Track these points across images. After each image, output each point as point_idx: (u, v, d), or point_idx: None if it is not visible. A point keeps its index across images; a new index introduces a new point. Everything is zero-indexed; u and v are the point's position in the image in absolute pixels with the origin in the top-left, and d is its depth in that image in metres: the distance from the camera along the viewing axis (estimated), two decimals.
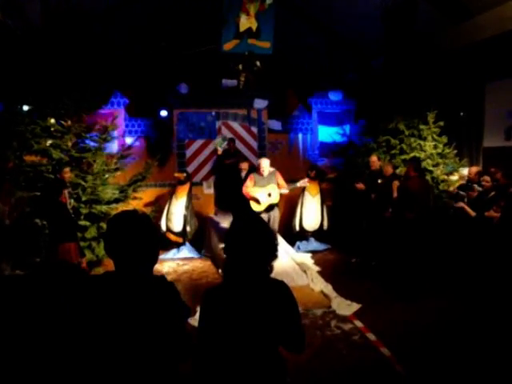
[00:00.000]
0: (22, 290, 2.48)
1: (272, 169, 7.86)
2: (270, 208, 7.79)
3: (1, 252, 2.80)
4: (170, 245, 9.28)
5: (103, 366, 2.07)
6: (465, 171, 8.71)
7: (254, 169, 8.55)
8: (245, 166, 9.14)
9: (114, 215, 2.30)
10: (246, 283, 2.28)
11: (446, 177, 8.85)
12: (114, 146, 9.33)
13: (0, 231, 5.82)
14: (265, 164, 7.82)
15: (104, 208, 7.86)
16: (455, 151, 9.23)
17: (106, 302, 2.08)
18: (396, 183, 7.49)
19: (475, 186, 7.29)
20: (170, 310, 2.15)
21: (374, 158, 8.48)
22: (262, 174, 7.80)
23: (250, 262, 2.28)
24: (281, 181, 7.86)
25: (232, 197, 9.27)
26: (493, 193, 6.73)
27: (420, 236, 6.78)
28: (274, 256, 2.38)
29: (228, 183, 9.73)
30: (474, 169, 7.86)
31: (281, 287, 2.34)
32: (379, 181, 8.01)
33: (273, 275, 2.45)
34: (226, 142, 10.29)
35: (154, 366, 2.10)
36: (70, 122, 8.05)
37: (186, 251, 9.21)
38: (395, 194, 7.37)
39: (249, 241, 2.29)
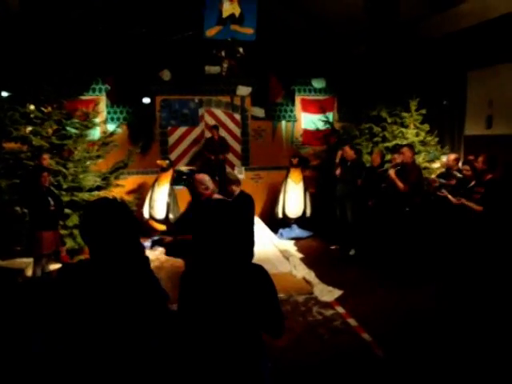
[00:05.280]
0: None
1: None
2: None
3: None
4: (153, 232, 9.24)
5: (78, 358, 2.05)
6: (445, 159, 8.80)
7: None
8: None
9: (89, 202, 2.29)
10: (221, 266, 2.28)
11: (427, 164, 8.94)
12: (95, 133, 9.22)
13: None
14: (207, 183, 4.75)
15: (86, 196, 7.80)
16: (437, 139, 9.32)
17: (78, 289, 2.07)
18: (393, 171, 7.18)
19: (456, 172, 7.38)
20: (144, 297, 2.14)
21: (347, 149, 8.35)
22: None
23: (219, 247, 2.27)
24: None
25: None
26: (473, 182, 6.80)
27: (409, 224, 6.80)
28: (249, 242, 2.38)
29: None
30: (452, 156, 7.97)
31: (258, 271, 2.34)
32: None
33: (255, 261, 2.45)
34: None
35: (131, 354, 2.09)
36: (50, 109, 7.96)
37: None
38: (400, 184, 6.88)
39: (220, 224, 2.29)
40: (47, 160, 7.15)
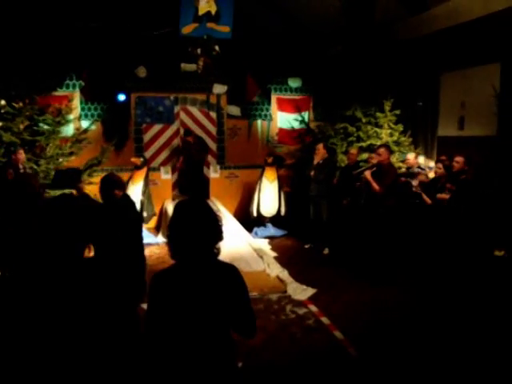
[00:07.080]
0: None
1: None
2: None
3: None
4: None
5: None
6: (420, 159, 9.00)
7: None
8: None
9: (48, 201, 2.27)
10: (193, 266, 2.27)
11: (400, 164, 9.05)
12: (69, 130, 9.09)
13: None
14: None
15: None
16: (410, 139, 9.45)
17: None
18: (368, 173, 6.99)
19: (417, 169, 8.04)
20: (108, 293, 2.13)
21: (319, 146, 8.50)
22: None
23: (194, 244, 2.26)
24: None
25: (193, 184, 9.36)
26: (443, 179, 7.00)
27: (383, 224, 6.85)
28: (219, 238, 2.36)
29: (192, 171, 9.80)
30: (412, 155, 8.65)
31: (230, 271, 2.34)
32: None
33: (229, 260, 2.43)
34: None
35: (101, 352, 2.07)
36: (21, 104, 7.81)
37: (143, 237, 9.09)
38: (376, 186, 6.70)
39: (191, 222, 2.27)
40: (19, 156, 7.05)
